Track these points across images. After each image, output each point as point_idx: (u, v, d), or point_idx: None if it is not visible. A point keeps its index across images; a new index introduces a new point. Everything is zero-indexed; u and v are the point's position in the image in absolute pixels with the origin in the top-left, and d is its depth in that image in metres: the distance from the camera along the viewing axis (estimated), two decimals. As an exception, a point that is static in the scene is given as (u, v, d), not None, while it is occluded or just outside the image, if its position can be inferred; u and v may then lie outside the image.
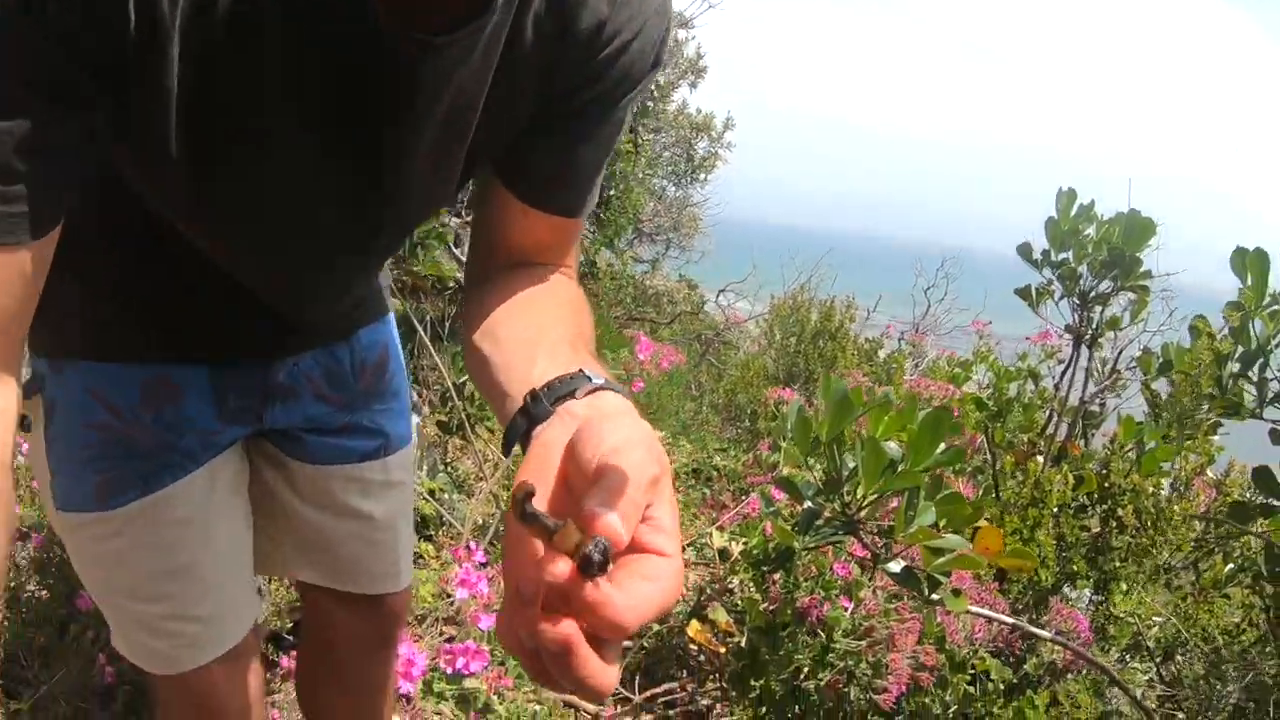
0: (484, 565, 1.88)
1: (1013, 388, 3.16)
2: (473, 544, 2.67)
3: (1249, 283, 1.96)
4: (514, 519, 0.60)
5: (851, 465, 1.50)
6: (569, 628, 0.57)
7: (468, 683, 1.82)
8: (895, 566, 1.48)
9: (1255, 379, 1.96)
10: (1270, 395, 1.95)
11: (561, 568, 0.57)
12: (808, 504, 1.48)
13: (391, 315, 1.43)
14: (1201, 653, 2.52)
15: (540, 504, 0.63)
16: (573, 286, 1.05)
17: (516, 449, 0.80)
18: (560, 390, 0.77)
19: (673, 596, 0.63)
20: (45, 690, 1.94)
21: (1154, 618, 2.70)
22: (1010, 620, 1.73)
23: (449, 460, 3.69)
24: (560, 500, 0.66)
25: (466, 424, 3.23)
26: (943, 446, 1.45)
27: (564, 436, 0.69)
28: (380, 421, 1.38)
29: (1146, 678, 2.48)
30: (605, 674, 0.59)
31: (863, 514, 1.51)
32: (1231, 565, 2.68)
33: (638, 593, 0.59)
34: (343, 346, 1.30)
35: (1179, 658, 2.67)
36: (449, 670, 1.76)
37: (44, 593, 2.16)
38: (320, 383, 1.28)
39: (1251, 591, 2.53)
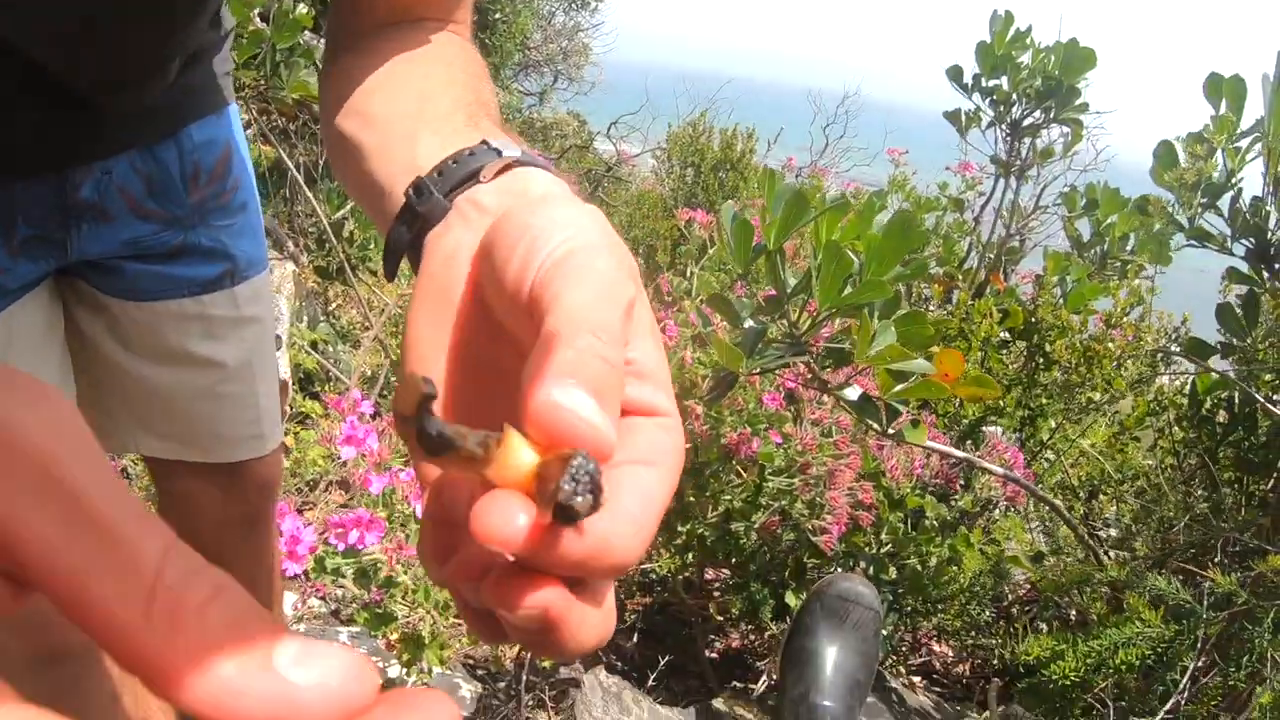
0: (374, 416, 1.65)
1: (930, 218, 3.03)
2: (358, 394, 2.44)
3: (1221, 110, 1.85)
4: (411, 443, 0.34)
5: (793, 282, 1.30)
6: (549, 596, 0.34)
7: (366, 556, 1.61)
8: (852, 393, 1.30)
9: (1227, 211, 1.84)
10: (1238, 225, 1.83)
11: (516, 526, 0.32)
12: (748, 323, 1.27)
13: (234, 108, 1.13)
14: (1124, 493, 2.50)
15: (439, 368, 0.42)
16: (466, 46, 0.76)
17: (405, 268, 0.54)
18: (457, 173, 0.52)
19: (677, 475, 0.39)
20: None
21: (1078, 456, 2.67)
22: (962, 455, 1.58)
23: (330, 309, 3.43)
24: (476, 353, 0.45)
25: (347, 267, 2.96)
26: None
27: (470, 242, 0.47)
28: (223, 240, 1.10)
29: (1075, 516, 2.43)
30: (601, 626, 0.37)
31: (808, 333, 1.31)
32: (1143, 410, 2.67)
33: (639, 498, 0.36)
34: (167, 147, 1.00)
35: (1102, 496, 2.65)
36: (340, 546, 1.54)
37: None
38: (138, 195, 0.99)
39: (1161, 435, 2.49)
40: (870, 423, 1.31)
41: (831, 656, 1.51)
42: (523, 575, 0.34)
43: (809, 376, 1.52)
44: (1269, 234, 1.92)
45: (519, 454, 0.32)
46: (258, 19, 2.62)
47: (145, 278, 1.06)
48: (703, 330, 1.33)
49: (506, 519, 0.32)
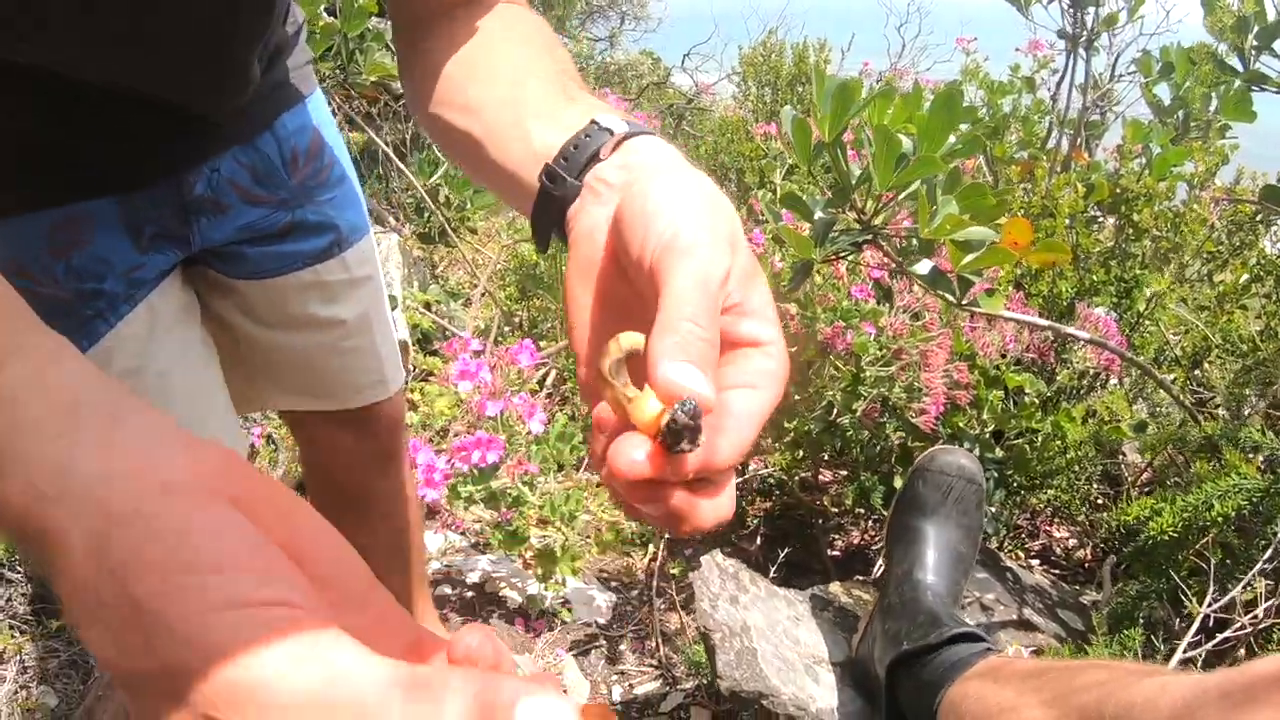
0: (479, 353, 1.77)
1: (1007, 102, 3.01)
2: (467, 334, 2.58)
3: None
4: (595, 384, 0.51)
5: (858, 173, 1.37)
6: (674, 499, 0.49)
7: (494, 483, 1.74)
8: (923, 268, 1.36)
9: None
10: None
11: (635, 460, 0.47)
12: (818, 215, 1.35)
13: (318, 93, 1.25)
14: (1228, 360, 2.48)
15: (587, 315, 0.57)
16: (530, 16, 0.84)
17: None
18: (579, 157, 0.63)
19: (779, 391, 0.53)
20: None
21: (1179, 326, 2.66)
22: (1045, 323, 1.62)
23: (438, 272, 3.58)
24: (612, 299, 0.57)
25: (448, 229, 3.09)
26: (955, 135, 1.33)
27: (604, 215, 0.59)
28: (328, 213, 1.22)
29: (1178, 385, 2.43)
30: (721, 509, 0.51)
31: (879, 219, 1.38)
32: (1247, 275, 2.63)
33: (742, 417, 0.50)
34: (266, 139, 1.12)
35: (1206, 365, 2.64)
36: (465, 467, 1.67)
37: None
38: (247, 184, 1.11)
39: (1270, 300, 2.49)
40: (944, 295, 1.38)
41: (934, 531, 1.56)
42: (655, 484, 0.48)
43: (886, 261, 1.58)
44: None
45: (649, 403, 0.46)
46: (325, 14, 2.75)
47: (264, 258, 1.18)
48: (776, 226, 1.41)
49: (629, 456, 0.47)
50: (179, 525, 0.39)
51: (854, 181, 1.36)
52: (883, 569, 1.61)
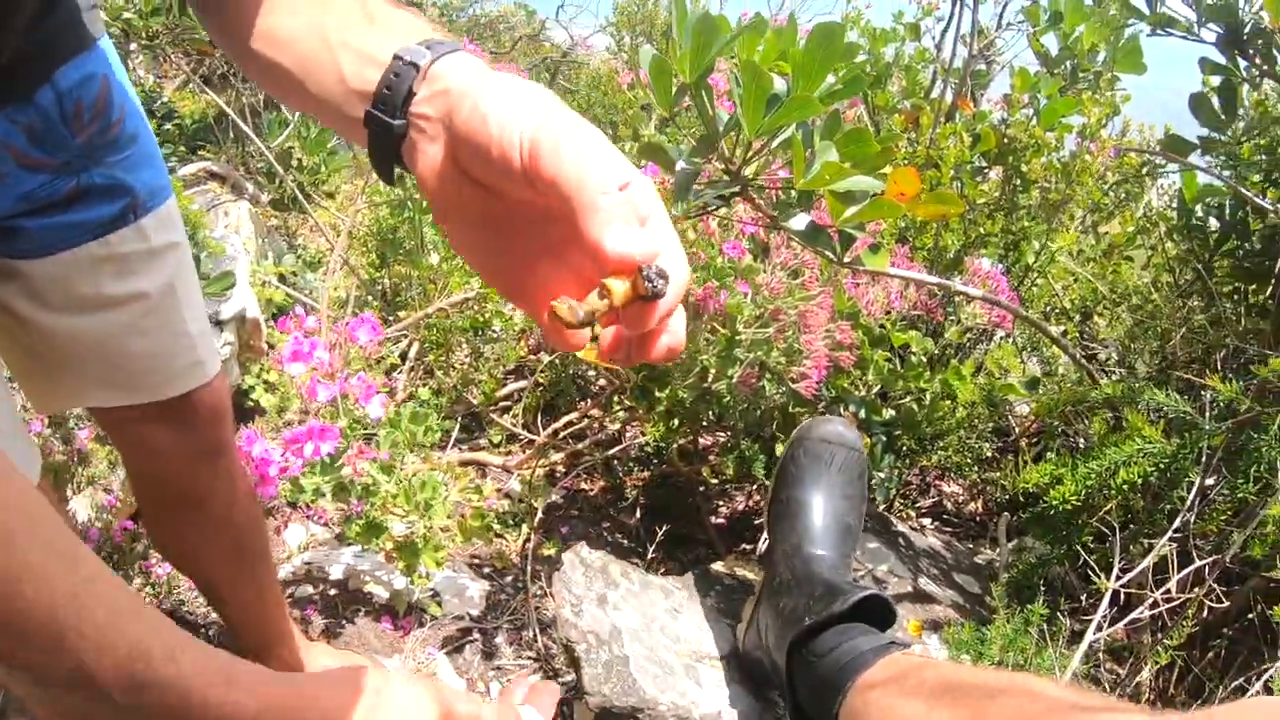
0: (312, 332, 1.59)
1: (889, 50, 2.91)
2: (300, 310, 2.39)
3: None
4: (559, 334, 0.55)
5: (725, 119, 1.23)
6: (665, 341, 0.56)
7: (345, 471, 1.57)
8: (798, 223, 1.23)
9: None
10: (1203, 9, 1.72)
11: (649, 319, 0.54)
12: (680, 165, 1.21)
13: (106, 41, 1.06)
14: (1117, 312, 2.45)
15: (473, 246, 0.65)
16: None
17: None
18: (395, 100, 0.64)
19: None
20: None
21: (1067, 278, 2.62)
22: (934, 280, 1.50)
23: (296, 240, 3.36)
24: (493, 219, 0.62)
25: (299, 195, 2.87)
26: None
27: (437, 153, 0.63)
28: (119, 176, 1.05)
29: (1070, 339, 2.37)
30: (679, 340, 0.58)
31: (749, 169, 1.25)
32: (1133, 228, 2.61)
33: (668, 238, 0.56)
34: (44, 92, 0.95)
35: (1096, 318, 2.61)
36: (299, 460, 1.50)
37: None
38: (22, 147, 0.94)
39: (1156, 252, 2.46)
40: (824, 253, 1.25)
41: (819, 503, 1.45)
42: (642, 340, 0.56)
43: (759, 216, 1.45)
44: (1239, 16, 1.82)
45: (618, 287, 0.52)
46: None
47: (47, 231, 1.02)
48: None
49: (643, 323, 0.54)
50: None
51: (721, 128, 1.21)
52: (766, 547, 1.49)
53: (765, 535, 1.62)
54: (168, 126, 3.60)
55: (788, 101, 1.09)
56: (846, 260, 1.28)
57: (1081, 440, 2.16)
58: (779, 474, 1.53)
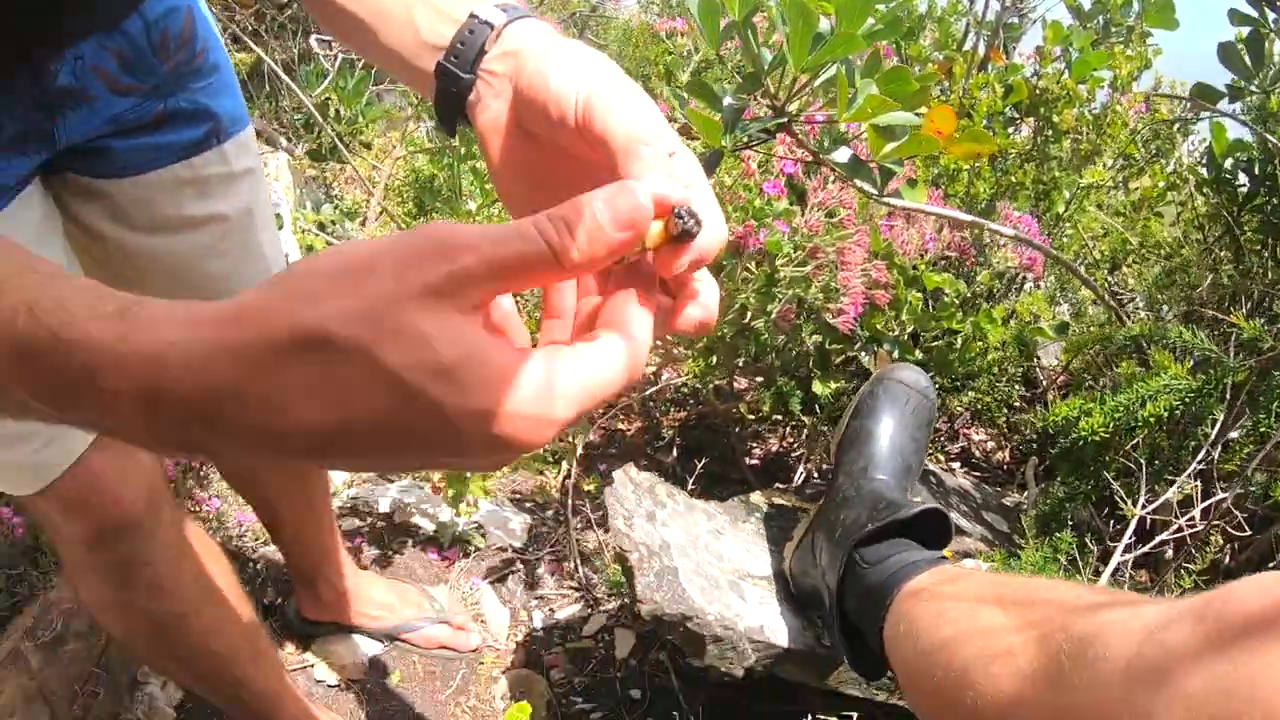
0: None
1: (922, 2, 2.93)
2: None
3: None
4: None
5: (770, 58, 1.27)
6: (693, 314, 0.56)
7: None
8: (841, 155, 1.28)
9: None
10: None
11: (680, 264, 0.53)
12: (727, 101, 1.25)
13: None
14: (1145, 265, 2.47)
15: (520, 197, 0.68)
16: None
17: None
18: (468, 54, 0.67)
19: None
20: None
21: (1097, 230, 2.64)
22: (969, 218, 1.55)
23: (333, 191, 3.41)
24: (542, 178, 0.65)
25: (339, 144, 2.93)
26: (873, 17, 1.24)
27: (501, 107, 0.65)
28: (203, 101, 1.11)
29: (1099, 284, 2.40)
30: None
31: (793, 106, 1.29)
32: (1163, 182, 2.63)
33: (706, 197, 0.56)
34: (132, 21, 1.00)
35: (1124, 269, 2.64)
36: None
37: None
38: (114, 72, 1.00)
39: (1185, 208, 2.48)
40: (864, 186, 1.29)
41: (889, 436, 1.52)
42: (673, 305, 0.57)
43: (801, 155, 1.50)
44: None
45: (653, 228, 0.51)
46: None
47: (134, 151, 1.07)
48: (683, 113, 1.31)
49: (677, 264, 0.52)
50: None
51: (766, 66, 1.26)
52: (832, 471, 1.55)
53: (817, 471, 1.68)
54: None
55: (832, 38, 1.14)
56: (885, 195, 1.32)
57: (1109, 389, 2.19)
58: (856, 404, 1.59)
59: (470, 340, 0.43)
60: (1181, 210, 2.63)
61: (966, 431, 2.49)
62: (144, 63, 1.02)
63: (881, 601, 1.14)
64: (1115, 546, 1.46)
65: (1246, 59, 1.87)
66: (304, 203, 3.23)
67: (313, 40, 3.43)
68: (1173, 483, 1.52)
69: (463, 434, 0.43)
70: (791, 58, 1.16)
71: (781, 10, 1.19)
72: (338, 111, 3.17)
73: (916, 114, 1.25)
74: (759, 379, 2.04)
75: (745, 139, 1.24)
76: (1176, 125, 2.71)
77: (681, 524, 1.48)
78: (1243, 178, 2.11)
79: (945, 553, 1.65)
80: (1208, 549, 1.37)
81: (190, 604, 1.27)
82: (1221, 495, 1.44)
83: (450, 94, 0.68)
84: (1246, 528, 1.43)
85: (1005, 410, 2.27)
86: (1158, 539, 1.41)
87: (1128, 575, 1.54)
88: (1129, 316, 2.16)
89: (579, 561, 1.95)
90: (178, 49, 1.05)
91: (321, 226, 3.02)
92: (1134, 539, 1.46)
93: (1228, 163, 2.10)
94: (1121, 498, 1.44)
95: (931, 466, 2.11)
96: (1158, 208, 2.65)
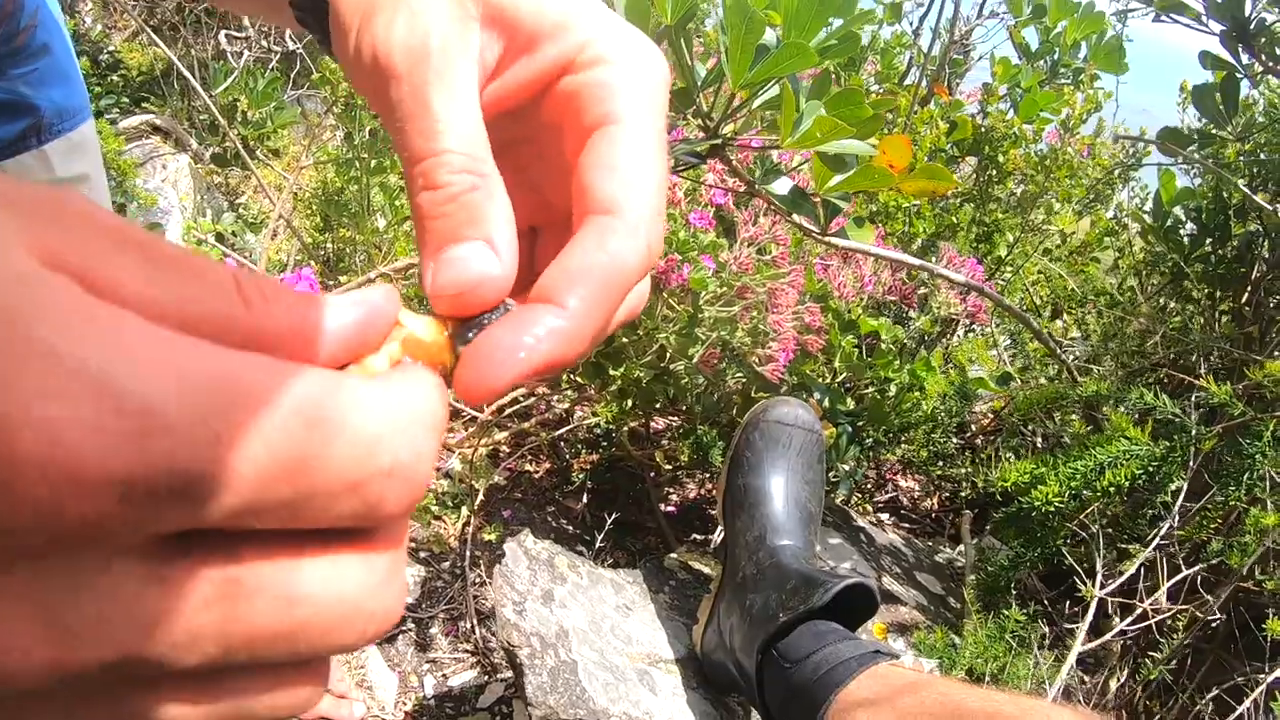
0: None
1: (864, 33, 2.82)
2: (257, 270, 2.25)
3: None
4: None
5: (703, 71, 1.12)
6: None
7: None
8: (781, 186, 1.13)
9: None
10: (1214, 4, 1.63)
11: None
12: (656, 119, 1.09)
13: None
14: (1088, 310, 2.39)
15: None
16: None
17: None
18: None
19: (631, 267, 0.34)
20: None
21: (1037, 275, 2.56)
22: (918, 262, 1.40)
23: (238, 199, 3.20)
24: None
25: (242, 150, 2.72)
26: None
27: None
28: (21, 91, 0.91)
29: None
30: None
31: (729, 128, 1.14)
32: (1102, 228, 2.56)
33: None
34: None
35: (1066, 317, 2.56)
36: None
37: None
38: None
39: (1122, 254, 2.38)
40: (805, 225, 1.14)
41: (780, 490, 1.34)
42: None
43: (733, 184, 1.34)
44: (1246, 10, 1.74)
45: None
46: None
47: None
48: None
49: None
50: None
51: (700, 81, 1.10)
52: (722, 540, 1.38)
53: (720, 526, 1.52)
54: (113, 77, 3.43)
55: (779, 50, 0.98)
56: (829, 233, 1.17)
57: (1039, 439, 2.08)
58: (733, 460, 1.42)
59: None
60: (1119, 256, 2.56)
61: (893, 478, 2.37)
62: None
63: (811, 710, 0.98)
64: (1069, 628, 1.32)
65: (1220, 104, 1.77)
66: (204, 210, 3.01)
67: (221, 37, 3.22)
68: (1128, 554, 1.40)
69: None
70: (730, 71, 1.01)
71: (723, 17, 1.04)
72: (244, 114, 2.96)
73: (869, 143, 1.11)
74: (676, 420, 1.88)
75: (672, 163, 1.08)
76: (1123, 169, 2.64)
77: (584, 602, 1.29)
78: (1190, 226, 2.02)
79: (876, 626, 1.49)
80: (1175, 636, 1.24)
81: None
82: (1187, 571, 1.32)
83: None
84: (1216, 611, 1.31)
85: (940, 461, 2.15)
86: (1118, 627, 1.27)
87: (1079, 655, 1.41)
88: (1074, 368, 2.05)
89: (475, 621, 1.77)
90: None
91: (220, 237, 2.80)
92: (1081, 615, 1.33)
93: (1177, 210, 2.01)
94: (1078, 574, 1.31)
95: (860, 521, 1.97)
96: (1095, 253, 2.58)
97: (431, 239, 0.34)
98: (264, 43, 3.64)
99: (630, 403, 1.59)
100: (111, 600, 0.22)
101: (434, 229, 0.33)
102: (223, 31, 3.32)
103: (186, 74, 2.94)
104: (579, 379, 1.64)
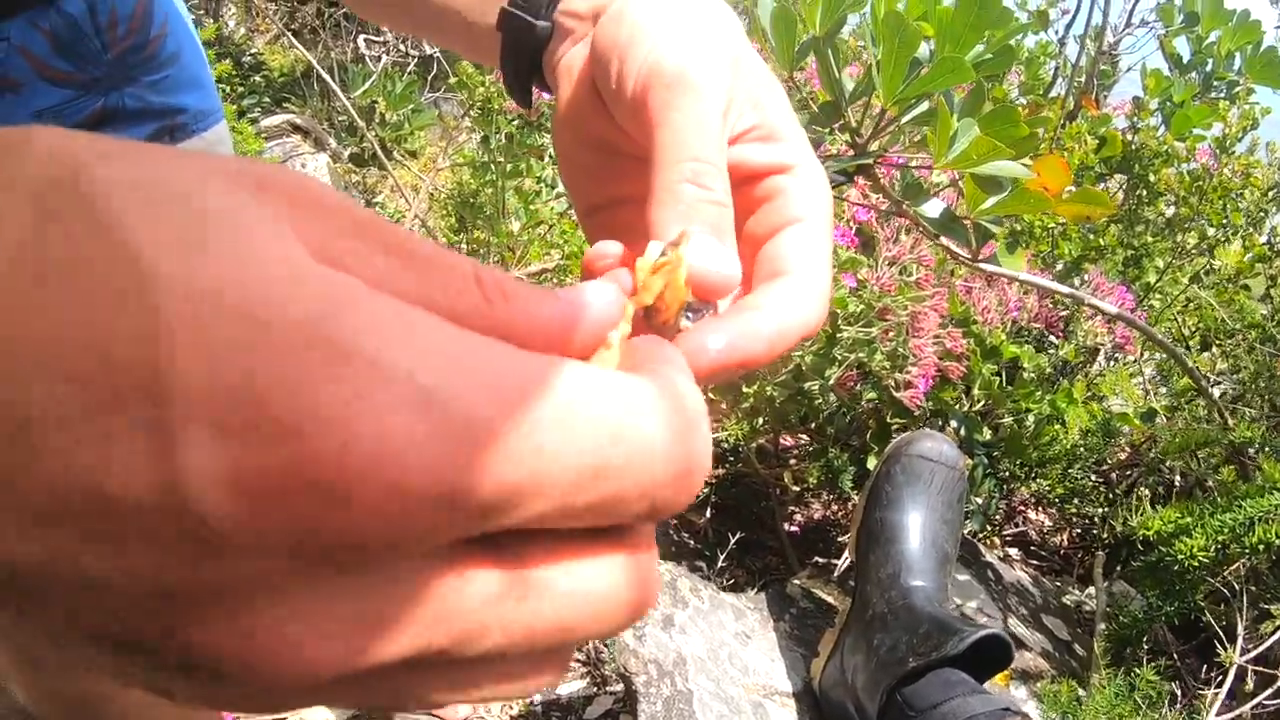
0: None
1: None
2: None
3: None
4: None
5: (852, 86, 1.08)
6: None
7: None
8: (932, 209, 1.07)
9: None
10: None
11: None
12: (802, 134, 1.05)
13: None
14: (1231, 344, 2.24)
15: (574, 160, 0.50)
16: None
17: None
18: None
19: (827, 212, 0.44)
20: None
21: (1187, 304, 2.41)
22: (1068, 290, 1.33)
23: (375, 199, 3.26)
24: (608, 146, 0.47)
25: (380, 151, 2.77)
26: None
27: (582, 53, 0.49)
28: (151, 100, 0.91)
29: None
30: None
31: (877, 144, 1.09)
32: (1252, 254, 2.40)
33: (807, 258, 0.42)
34: None
35: (1215, 349, 2.41)
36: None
37: None
38: (44, 55, 0.81)
39: (1273, 283, 2.27)
40: (955, 248, 1.09)
41: (917, 528, 1.29)
42: None
43: (876, 195, 1.30)
44: None
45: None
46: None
47: None
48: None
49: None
50: None
51: (849, 94, 1.06)
52: (855, 574, 1.33)
53: (848, 555, 1.47)
54: (256, 78, 3.54)
55: (934, 65, 0.94)
56: (979, 258, 1.11)
57: (1179, 478, 1.97)
58: (872, 492, 1.36)
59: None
60: (1270, 285, 2.41)
61: (1024, 510, 2.27)
62: (83, 46, 0.83)
63: None
64: (1204, 693, 1.23)
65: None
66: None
67: (360, 40, 3.29)
68: (1269, 615, 1.30)
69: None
70: (881, 86, 0.96)
71: (872, 28, 0.99)
72: (383, 116, 3.01)
73: (1023, 163, 1.05)
74: (804, 439, 1.83)
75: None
76: (1270, 195, 2.48)
77: (704, 628, 1.26)
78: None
79: (1001, 679, 1.42)
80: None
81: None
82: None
83: (520, 46, 0.54)
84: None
85: (1076, 499, 2.05)
86: (1258, 699, 1.18)
87: None
88: (1227, 408, 1.93)
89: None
90: (128, 33, 0.86)
91: (355, 235, 2.85)
92: (1224, 681, 1.24)
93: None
94: (1219, 637, 1.22)
95: (988, 556, 1.89)
96: (1245, 279, 2.43)
97: (701, 222, 0.38)
98: (402, 46, 3.71)
99: (761, 420, 1.55)
100: (420, 599, 0.23)
101: (704, 218, 0.38)
102: (361, 35, 3.39)
103: (325, 76, 3.01)
104: (711, 394, 1.61)
